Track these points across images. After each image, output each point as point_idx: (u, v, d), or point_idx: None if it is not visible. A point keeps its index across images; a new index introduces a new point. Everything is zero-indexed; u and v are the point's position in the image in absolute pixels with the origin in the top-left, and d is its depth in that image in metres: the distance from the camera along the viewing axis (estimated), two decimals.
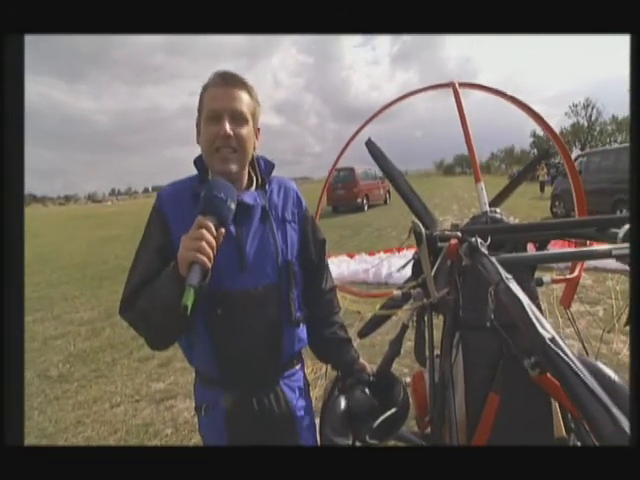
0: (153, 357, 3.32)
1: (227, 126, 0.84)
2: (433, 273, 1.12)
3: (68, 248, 11.07)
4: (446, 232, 1.09)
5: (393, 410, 1.02)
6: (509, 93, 1.85)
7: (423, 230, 1.06)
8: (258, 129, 0.93)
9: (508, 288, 0.73)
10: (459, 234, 1.04)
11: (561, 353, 0.55)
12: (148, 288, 0.82)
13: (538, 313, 0.65)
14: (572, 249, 1.20)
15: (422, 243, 1.07)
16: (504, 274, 0.76)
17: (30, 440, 2.34)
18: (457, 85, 1.75)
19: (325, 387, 1.17)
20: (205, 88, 0.88)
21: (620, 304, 2.74)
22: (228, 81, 0.86)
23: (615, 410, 0.45)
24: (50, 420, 2.56)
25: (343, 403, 1.04)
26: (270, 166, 0.98)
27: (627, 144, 14.30)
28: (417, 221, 1.10)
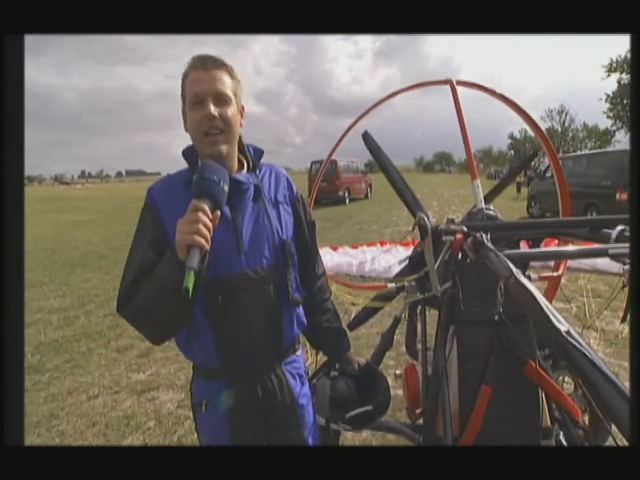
0: (132, 347, 3.21)
1: (211, 107, 0.84)
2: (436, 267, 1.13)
3: (33, 232, 10.41)
4: (451, 226, 1.10)
5: (368, 407, 1.05)
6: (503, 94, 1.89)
7: (429, 224, 1.08)
8: (242, 107, 0.93)
9: (519, 282, 0.75)
10: (465, 229, 1.06)
11: (578, 345, 0.57)
12: (146, 281, 0.81)
13: (550, 306, 0.67)
14: (572, 247, 1.25)
15: (427, 236, 1.08)
16: (514, 268, 0.78)
17: None
18: (455, 82, 1.77)
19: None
20: (186, 74, 0.87)
21: (591, 302, 2.91)
22: (208, 64, 0.86)
23: None
24: None
25: (326, 387, 1.08)
26: (259, 152, 1.00)
27: (598, 150, 14.92)
28: (423, 215, 1.11)
